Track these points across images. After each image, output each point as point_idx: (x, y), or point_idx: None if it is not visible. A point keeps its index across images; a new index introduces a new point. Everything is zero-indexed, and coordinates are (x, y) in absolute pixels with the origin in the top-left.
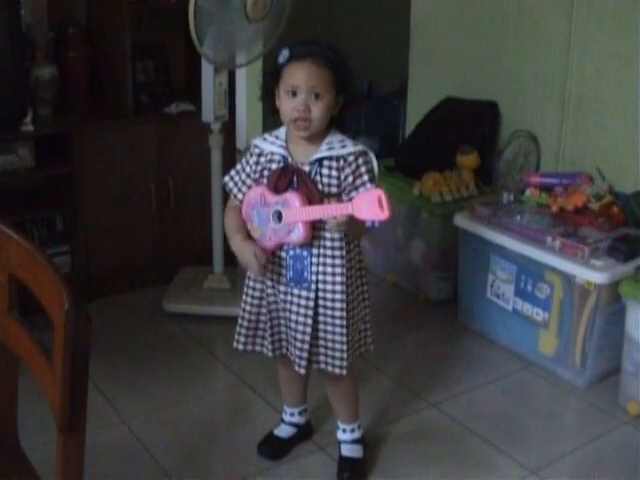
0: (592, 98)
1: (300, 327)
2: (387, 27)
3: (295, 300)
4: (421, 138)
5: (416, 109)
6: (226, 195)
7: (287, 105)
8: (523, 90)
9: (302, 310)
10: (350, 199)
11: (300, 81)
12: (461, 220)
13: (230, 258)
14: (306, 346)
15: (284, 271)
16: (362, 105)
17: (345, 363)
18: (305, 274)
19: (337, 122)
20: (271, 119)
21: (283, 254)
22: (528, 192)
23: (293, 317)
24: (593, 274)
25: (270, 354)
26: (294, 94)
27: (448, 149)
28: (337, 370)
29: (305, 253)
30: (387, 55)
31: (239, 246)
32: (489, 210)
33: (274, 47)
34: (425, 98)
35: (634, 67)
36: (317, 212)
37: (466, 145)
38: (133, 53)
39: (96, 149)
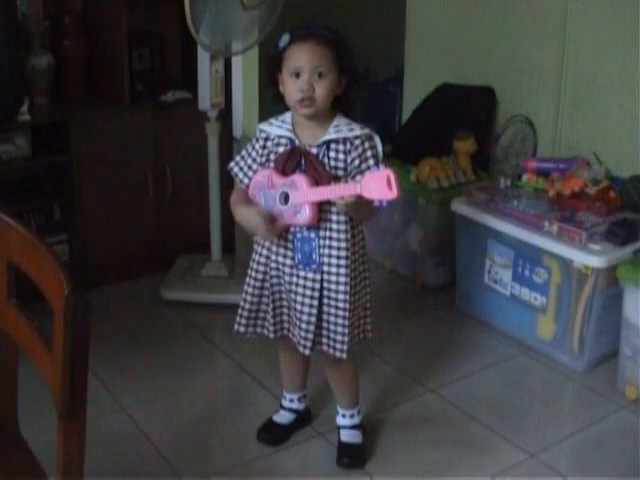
0: (588, 83)
1: (306, 309)
2: (383, 13)
3: (301, 282)
4: (418, 124)
5: (412, 95)
6: (223, 182)
7: (291, 87)
8: (519, 75)
9: (308, 292)
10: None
11: (303, 61)
12: (458, 206)
13: (228, 246)
14: (311, 327)
15: (290, 253)
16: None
17: (346, 347)
18: (313, 256)
19: (341, 103)
20: (268, 107)
21: (290, 237)
22: (525, 177)
23: (299, 299)
24: (591, 258)
25: (272, 335)
26: (297, 75)
27: (445, 135)
28: (338, 353)
29: (313, 235)
30: (383, 41)
31: (244, 212)
32: (486, 195)
33: (270, 34)
34: (421, 84)
35: (630, 51)
36: (325, 193)
37: (463, 131)
38: (129, 41)
39: (93, 137)
